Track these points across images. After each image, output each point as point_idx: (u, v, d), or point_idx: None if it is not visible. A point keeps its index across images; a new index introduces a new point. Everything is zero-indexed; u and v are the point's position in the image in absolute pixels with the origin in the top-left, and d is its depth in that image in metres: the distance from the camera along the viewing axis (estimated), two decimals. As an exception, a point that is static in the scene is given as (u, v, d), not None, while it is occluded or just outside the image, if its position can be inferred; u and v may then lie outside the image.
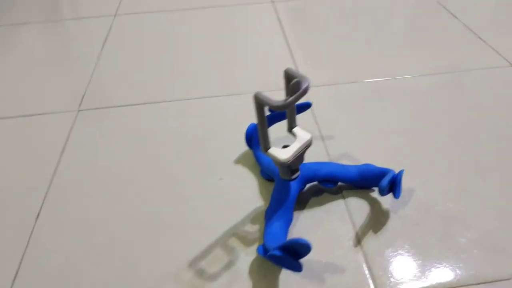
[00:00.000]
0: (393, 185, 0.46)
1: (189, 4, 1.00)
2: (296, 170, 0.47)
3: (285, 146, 0.44)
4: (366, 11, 0.95)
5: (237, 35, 0.88)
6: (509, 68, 0.74)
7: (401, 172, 0.47)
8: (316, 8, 0.98)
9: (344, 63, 0.78)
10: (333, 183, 0.51)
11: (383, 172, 0.49)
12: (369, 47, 0.82)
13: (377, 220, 0.49)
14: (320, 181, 0.51)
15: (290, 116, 0.45)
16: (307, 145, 0.44)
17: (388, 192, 0.47)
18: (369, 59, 0.78)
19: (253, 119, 0.57)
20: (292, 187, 0.48)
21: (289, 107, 0.37)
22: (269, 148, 0.44)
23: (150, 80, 0.76)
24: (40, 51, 0.87)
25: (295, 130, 0.45)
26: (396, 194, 0.46)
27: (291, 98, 0.37)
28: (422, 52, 0.80)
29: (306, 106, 0.53)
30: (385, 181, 0.44)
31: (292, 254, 0.38)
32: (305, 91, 0.37)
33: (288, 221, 0.47)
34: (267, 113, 0.44)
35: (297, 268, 0.39)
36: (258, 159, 0.54)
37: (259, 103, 0.38)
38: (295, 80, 0.37)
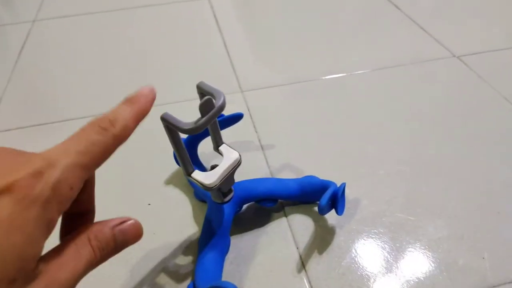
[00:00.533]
0: (335, 201, 0.42)
1: (118, 4, 0.92)
2: (229, 192, 0.41)
3: (213, 166, 0.39)
4: (306, 5, 0.91)
5: (170, 38, 0.81)
6: (452, 59, 0.72)
7: (342, 186, 0.43)
8: (258, 4, 0.92)
9: (286, 63, 0.73)
10: (273, 201, 0.46)
11: (326, 185, 0.45)
12: (319, 45, 0.78)
13: (323, 238, 0.45)
14: (258, 201, 0.46)
15: (214, 134, 0.39)
16: (236, 165, 0.39)
17: (330, 210, 0.42)
18: (312, 57, 0.74)
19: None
20: (226, 210, 0.43)
21: (201, 130, 0.31)
22: (191, 172, 0.38)
23: (70, 94, 0.68)
24: None
25: (221, 148, 0.40)
26: (339, 211, 0.42)
27: (203, 120, 0.31)
28: (368, 46, 0.76)
29: (237, 117, 0.47)
30: (324, 199, 0.40)
31: (219, 299, 0.33)
32: (220, 109, 0.32)
33: (223, 250, 0.42)
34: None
35: (228, 311, 0.34)
36: (189, 180, 0.49)
37: (167, 126, 0.33)
38: (205, 98, 0.31)
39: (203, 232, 0.43)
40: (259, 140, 0.57)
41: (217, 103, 0.32)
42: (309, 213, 0.47)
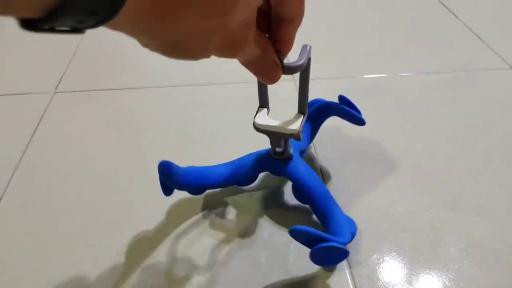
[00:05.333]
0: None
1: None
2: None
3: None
4: (365, 6, 0.92)
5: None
6: (509, 71, 0.71)
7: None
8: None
9: (342, 57, 0.75)
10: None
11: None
12: (368, 43, 0.79)
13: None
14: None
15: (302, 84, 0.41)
16: (285, 134, 0.40)
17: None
18: (367, 55, 0.75)
19: (243, 110, 0.54)
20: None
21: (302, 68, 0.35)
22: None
23: (133, 64, 0.72)
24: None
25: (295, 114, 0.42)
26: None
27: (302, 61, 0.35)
28: (422, 51, 0.77)
29: (359, 121, 0.50)
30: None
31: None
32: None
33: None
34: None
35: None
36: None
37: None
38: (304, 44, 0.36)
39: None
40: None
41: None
42: (352, 199, 0.48)
